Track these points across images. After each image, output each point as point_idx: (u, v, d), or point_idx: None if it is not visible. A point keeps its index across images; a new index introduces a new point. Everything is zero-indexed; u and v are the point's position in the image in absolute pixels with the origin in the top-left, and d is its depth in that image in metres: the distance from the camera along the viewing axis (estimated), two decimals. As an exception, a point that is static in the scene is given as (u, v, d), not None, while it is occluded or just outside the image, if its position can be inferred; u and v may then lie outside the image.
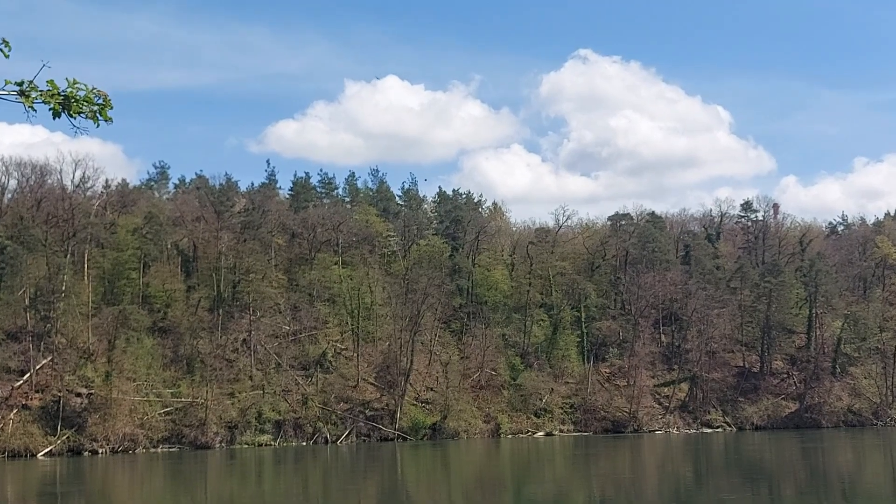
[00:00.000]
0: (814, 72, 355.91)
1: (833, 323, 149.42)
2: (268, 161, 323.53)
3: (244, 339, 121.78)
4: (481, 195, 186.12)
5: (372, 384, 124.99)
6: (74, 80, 10.29)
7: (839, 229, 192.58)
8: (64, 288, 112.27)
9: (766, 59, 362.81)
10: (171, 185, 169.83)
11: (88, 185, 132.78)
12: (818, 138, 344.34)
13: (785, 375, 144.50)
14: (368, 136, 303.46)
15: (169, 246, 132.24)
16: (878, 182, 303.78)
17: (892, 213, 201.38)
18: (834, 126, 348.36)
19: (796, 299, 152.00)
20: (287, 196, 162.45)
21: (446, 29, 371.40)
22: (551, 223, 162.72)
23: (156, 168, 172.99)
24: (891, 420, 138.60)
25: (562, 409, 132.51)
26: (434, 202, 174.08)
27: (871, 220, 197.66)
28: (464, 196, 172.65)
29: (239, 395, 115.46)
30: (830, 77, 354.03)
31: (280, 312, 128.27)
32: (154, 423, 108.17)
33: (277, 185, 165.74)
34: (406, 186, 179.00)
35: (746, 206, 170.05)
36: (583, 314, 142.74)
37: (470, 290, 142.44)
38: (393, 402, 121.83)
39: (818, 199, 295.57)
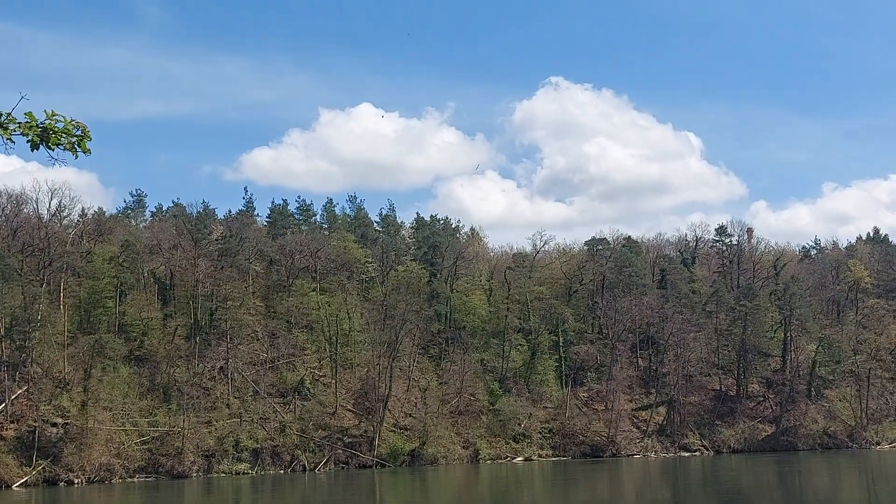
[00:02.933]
0: (783, 99, 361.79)
1: (807, 346, 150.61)
2: (245, 188, 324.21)
3: (221, 367, 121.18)
4: (459, 221, 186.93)
5: (350, 411, 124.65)
6: (53, 111, 10.05)
7: (812, 253, 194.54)
8: (39, 317, 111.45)
9: (735, 86, 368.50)
10: (147, 214, 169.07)
11: (64, 214, 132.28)
12: (788, 164, 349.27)
13: (761, 398, 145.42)
14: (344, 163, 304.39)
15: (146, 274, 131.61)
16: (847, 207, 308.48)
17: (863, 237, 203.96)
18: (803, 152, 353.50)
19: (771, 323, 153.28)
20: (265, 223, 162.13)
21: (420, 58, 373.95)
22: (528, 248, 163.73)
23: (132, 196, 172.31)
24: (866, 442, 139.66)
25: (540, 433, 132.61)
26: (412, 228, 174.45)
27: (842, 244, 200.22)
28: (441, 222, 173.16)
29: (216, 423, 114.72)
30: (799, 105, 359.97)
31: (258, 339, 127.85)
32: (130, 452, 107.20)
33: (255, 213, 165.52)
34: (384, 213, 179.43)
35: (721, 230, 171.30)
36: (560, 339, 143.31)
37: (448, 315, 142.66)
38: (371, 428, 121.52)
39: (788, 224, 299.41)
